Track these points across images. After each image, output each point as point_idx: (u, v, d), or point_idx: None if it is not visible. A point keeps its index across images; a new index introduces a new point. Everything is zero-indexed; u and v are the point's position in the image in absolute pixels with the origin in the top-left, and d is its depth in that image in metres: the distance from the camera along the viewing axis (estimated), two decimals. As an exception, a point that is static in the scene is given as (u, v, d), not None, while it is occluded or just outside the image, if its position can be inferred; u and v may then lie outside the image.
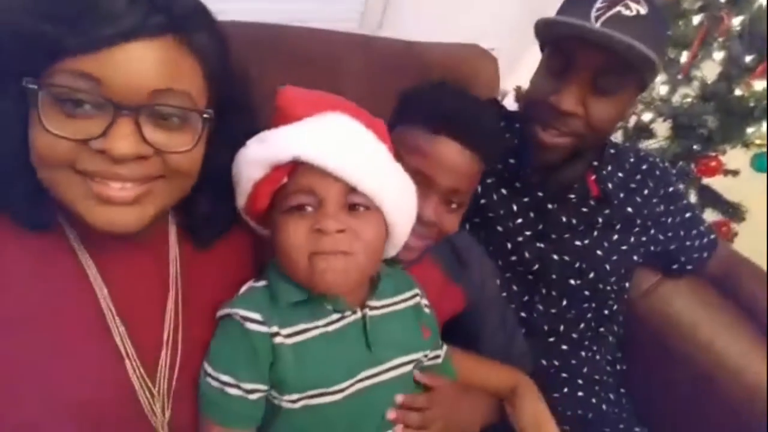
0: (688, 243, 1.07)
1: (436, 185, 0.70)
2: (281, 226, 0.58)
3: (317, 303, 0.61)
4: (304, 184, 0.57)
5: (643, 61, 0.79)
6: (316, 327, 0.60)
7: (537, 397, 0.80)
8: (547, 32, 0.87)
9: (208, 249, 0.65)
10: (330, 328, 0.61)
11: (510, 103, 1.80)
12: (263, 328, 0.58)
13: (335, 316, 0.62)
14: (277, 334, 0.58)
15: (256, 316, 0.58)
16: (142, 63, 0.47)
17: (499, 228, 0.95)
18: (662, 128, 1.66)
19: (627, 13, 0.79)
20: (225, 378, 0.57)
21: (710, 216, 1.71)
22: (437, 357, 0.72)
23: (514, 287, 0.96)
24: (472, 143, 0.70)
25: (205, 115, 0.53)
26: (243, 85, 0.62)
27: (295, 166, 0.57)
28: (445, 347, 0.74)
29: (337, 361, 0.60)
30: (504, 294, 0.95)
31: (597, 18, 0.79)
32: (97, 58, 0.46)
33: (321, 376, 0.59)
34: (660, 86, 1.62)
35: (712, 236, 1.10)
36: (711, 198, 1.67)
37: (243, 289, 0.63)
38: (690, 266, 1.09)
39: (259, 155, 0.58)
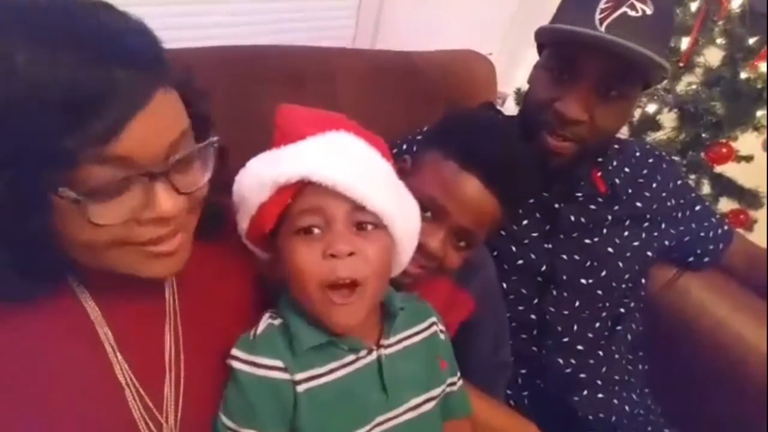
0: (702, 234, 1.04)
1: (449, 220, 0.69)
2: (290, 251, 0.57)
3: (332, 343, 0.59)
4: (313, 203, 0.56)
5: (650, 64, 0.77)
6: (330, 371, 0.58)
7: None
8: (547, 36, 0.85)
9: (210, 241, 0.63)
10: (343, 372, 0.59)
11: (511, 107, 1.79)
12: (286, 376, 0.56)
13: (350, 357, 0.59)
14: (298, 381, 0.56)
15: (278, 363, 0.56)
16: (156, 124, 0.47)
17: (503, 232, 0.93)
18: (668, 119, 1.63)
19: (633, 14, 0.76)
20: None
21: (727, 205, 1.67)
22: (453, 384, 0.69)
23: (523, 290, 0.94)
24: (498, 190, 0.69)
25: (215, 144, 0.54)
26: (205, 97, 0.60)
27: (301, 187, 0.56)
28: (460, 378, 0.71)
29: (352, 409, 0.58)
30: (512, 297, 0.93)
31: (601, 21, 0.76)
32: (119, 139, 0.44)
33: (335, 426, 0.57)
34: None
35: (726, 227, 1.07)
36: (726, 186, 1.63)
37: (261, 327, 0.60)
38: (707, 258, 1.07)
39: (265, 177, 0.57)
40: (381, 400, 0.59)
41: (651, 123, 1.61)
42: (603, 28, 0.76)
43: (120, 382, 0.55)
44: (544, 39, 0.87)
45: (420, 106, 1.23)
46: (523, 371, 0.96)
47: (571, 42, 0.79)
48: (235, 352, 0.58)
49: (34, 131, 0.42)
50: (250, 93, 1.07)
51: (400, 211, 0.60)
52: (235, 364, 0.57)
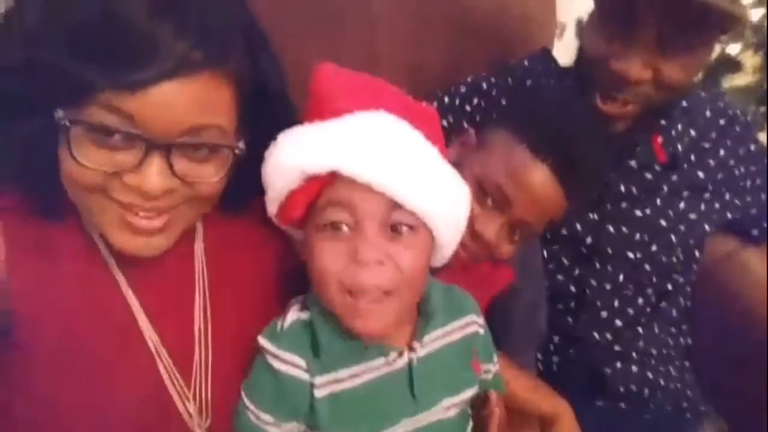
0: (771, 207, 0.94)
1: (510, 211, 0.66)
2: (314, 247, 0.52)
3: (360, 344, 0.55)
4: (343, 197, 0.50)
5: (723, 14, 0.66)
6: (356, 375, 0.55)
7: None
8: None
9: (240, 213, 0.64)
10: (369, 377, 0.56)
11: (570, 39, 1.63)
12: (305, 376, 0.54)
13: (378, 360, 0.56)
14: (316, 385, 0.54)
15: (301, 362, 0.54)
16: (176, 102, 0.46)
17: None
18: (752, 61, 1.44)
19: None
20: (266, 417, 0.55)
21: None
22: (488, 372, 0.66)
23: (564, 260, 0.89)
24: (569, 183, 0.65)
25: (236, 151, 0.52)
26: (283, 103, 0.58)
27: (333, 176, 0.50)
28: (497, 361, 0.68)
29: (376, 412, 0.55)
30: (551, 266, 0.89)
31: None
32: (133, 96, 0.45)
33: (357, 428, 0.55)
34: (750, 10, 1.38)
35: None
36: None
37: (288, 320, 0.56)
38: (775, 232, 0.97)
39: (293, 164, 0.51)
40: (408, 405, 0.56)
41: (730, 64, 1.43)
42: None
43: (150, 350, 0.57)
44: None
45: (469, 47, 1.13)
46: (556, 339, 0.93)
47: None
48: (261, 340, 0.56)
49: (65, 52, 0.43)
50: (285, 32, 1.00)
51: (444, 207, 0.53)
52: (263, 346, 0.56)
